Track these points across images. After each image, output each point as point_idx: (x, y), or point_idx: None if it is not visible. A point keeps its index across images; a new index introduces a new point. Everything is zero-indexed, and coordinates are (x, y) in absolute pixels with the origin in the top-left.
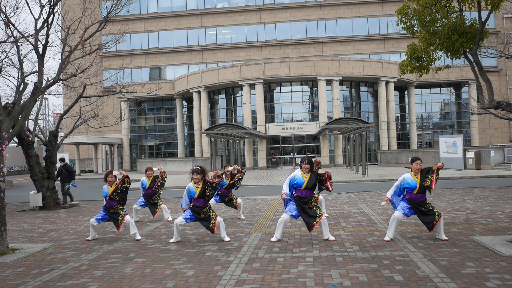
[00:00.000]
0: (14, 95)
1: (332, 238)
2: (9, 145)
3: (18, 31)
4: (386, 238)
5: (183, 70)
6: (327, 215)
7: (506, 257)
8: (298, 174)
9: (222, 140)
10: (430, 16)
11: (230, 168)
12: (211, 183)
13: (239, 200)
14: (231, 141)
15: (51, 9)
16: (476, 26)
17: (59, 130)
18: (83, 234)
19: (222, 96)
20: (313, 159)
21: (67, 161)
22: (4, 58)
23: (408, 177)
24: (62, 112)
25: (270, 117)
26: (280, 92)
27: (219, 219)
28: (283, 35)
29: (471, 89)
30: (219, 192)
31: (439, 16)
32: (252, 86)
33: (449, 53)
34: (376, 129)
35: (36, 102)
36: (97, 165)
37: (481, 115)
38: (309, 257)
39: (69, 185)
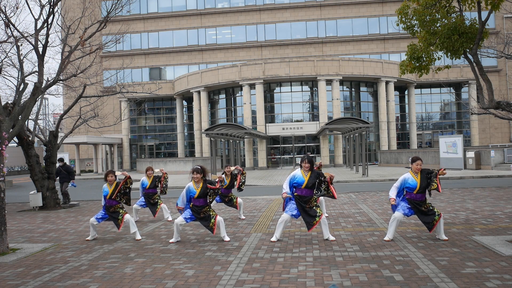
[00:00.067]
0: (14, 95)
1: (332, 238)
2: (9, 145)
3: (18, 31)
4: (386, 238)
5: (183, 70)
6: (327, 215)
7: (506, 257)
8: (299, 173)
9: (222, 140)
10: (430, 16)
11: (232, 168)
12: (213, 189)
13: (239, 200)
14: (231, 141)
15: (51, 9)
16: (476, 26)
17: (59, 130)
18: (83, 234)
19: (222, 96)
20: (315, 163)
21: (67, 161)
22: (4, 58)
23: (409, 177)
24: (62, 112)
25: (270, 117)
26: (280, 92)
27: (219, 218)
28: (283, 35)
29: (471, 89)
30: (219, 192)
31: (439, 16)
32: (252, 86)
33: (449, 53)
34: (376, 129)
35: (36, 102)
36: (97, 165)
37: (481, 115)
38: (309, 257)
39: (69, 185)
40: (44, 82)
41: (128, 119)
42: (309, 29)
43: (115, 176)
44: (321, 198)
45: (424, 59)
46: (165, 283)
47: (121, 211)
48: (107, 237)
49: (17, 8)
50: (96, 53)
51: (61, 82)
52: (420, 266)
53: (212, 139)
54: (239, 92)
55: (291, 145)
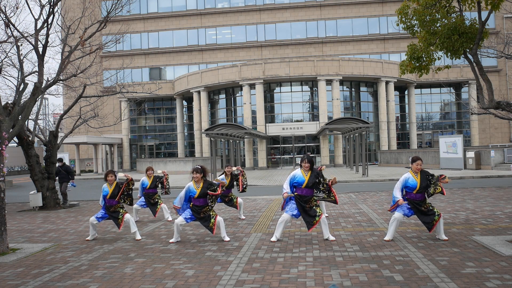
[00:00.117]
0: (14, 95)
1: (332, 238)
2: (9, 145)
3: (18, 31)
4: (386, 238)
5: (183, 70)
6: (327, 215)
7: (506, 257)
8: (299, 172)
9: (222, 140)
10: (430, 16)
11: (234, 169)
12: (215, 196)
13: (239, 200)
14: (231, 141)
15: (51, 9)
16: (476, 26)
17: (59, 130)
18: (83, 234)
19: (222, 96)
20: (318, 168)
21: (67, 161)
22: (4, 58)
23: (409, 176)
24: (62, 112)
25: (270, 117)
26: (280, 92)
27: (219, 218)
28: (283, 35)
29: (471, 89)
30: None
31: (439, 16)
32: (252, 86)
33: (449, 53)
34: (376, 129)
35: (36, 102)
36: (97, 165)
37: (481, 115)
38: (309, 257)
39: (68, 185)
40: (44, 82)
41: (128, 119)
42: (309, 29)
43: (115, 176)
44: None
45: (424, 59)
46: (165, 283)
47: (121, 211)
48: (107, 237)
49: (17, 8)
50: (96, 53)
51: (61, 82)
52: (420, 266)
53: (212, 139)
54: (239, 92)
55: (291, 145)
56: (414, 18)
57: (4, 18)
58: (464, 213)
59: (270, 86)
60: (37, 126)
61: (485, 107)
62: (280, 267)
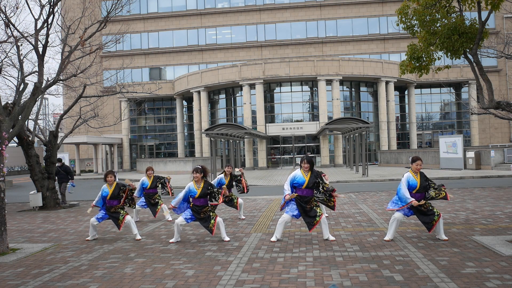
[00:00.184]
0: (14, 95)
1: (332, 238)
2: (9, 145)
3: (18, 31)
4: (386, 238)
5: (183, 70)
6: (327, 215)
7: (506, 257)
8: (299, 173)
9: (222, 140)
10: (430, 16)
11: (236, 170)
12: (215, 205)
13: (240, 200)
14: (231, 141)
15: (51, 9)
16: (476, 26)
17: (59, 130)
18: (83, 234)
19: (222, 96)
20: (322, 175)
21: (67, 161)
22: (4, 58)
23: (410, 176)
24: (62, 112)
25: (270, 117)
26: (280, 92)
27: (219, 219)
28: (283, 35)
29: (471, 89)
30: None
31: (439, 16)
32: (252, 86)
33: (449, 53)
34: (376, 129)
35: (36, 102)
36: (97, 165)
37: (481, 115)
38: (309, 257)
39: (68, 185)
40: (44, 82)
41: (128, 119)
42: (309, 29)
43: (115, 176)
44: None
45: (424, 59)
46: (165, 283)
47: (121, 212)
48: (107, 237)
49: (17, 8)
50: (96, 53)
51: (61, 82)
52: (420, 266)
53: (212, 139)
54: (239, 92)
55: (291, 145)
56: (414, 18)
57: (4, 18)
58: (464, 213)
59: (270, 86)
60: (37, 126)
61: (485, 107)
62: (280, 267)
